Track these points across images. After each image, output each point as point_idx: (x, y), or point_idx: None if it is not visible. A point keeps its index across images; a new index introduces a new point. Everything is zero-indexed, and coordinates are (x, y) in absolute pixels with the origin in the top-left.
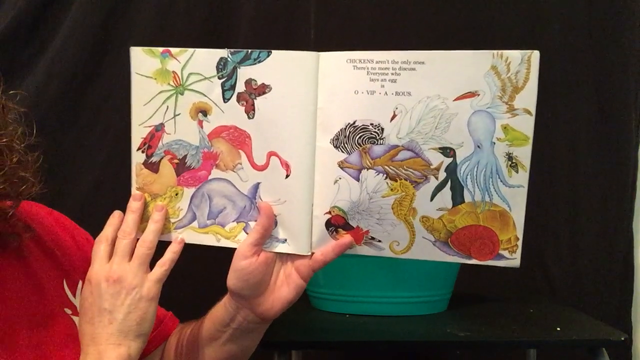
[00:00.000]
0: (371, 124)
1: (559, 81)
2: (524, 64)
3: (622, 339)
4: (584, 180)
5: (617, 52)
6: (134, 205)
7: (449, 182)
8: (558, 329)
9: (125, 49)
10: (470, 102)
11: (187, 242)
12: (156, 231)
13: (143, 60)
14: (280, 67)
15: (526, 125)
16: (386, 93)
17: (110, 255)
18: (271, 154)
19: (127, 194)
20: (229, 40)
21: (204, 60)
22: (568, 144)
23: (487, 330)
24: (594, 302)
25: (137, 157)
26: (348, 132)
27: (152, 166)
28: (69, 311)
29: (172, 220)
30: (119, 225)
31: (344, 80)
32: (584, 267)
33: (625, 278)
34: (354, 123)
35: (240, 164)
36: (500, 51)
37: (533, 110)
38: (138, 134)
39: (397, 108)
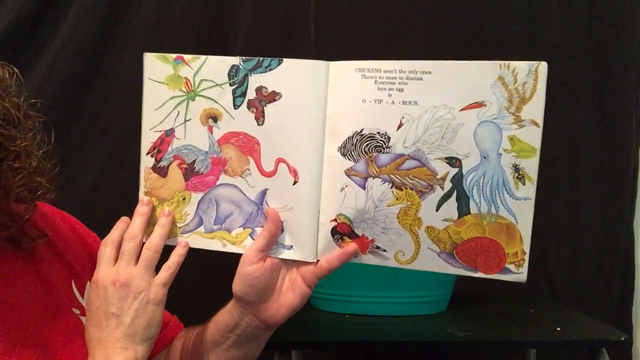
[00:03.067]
0: (378, 133)
1: (559, 82)
2: (531, 75)
3: (622, 339)
4: (584, 181)
5: (617, 54)
6: (141, 209)
7: (455, 193)
8: (558, 329)
9: (124, 49)
10: (477, 113)
11: (193, 247)
12: (163, 235)
13: (156, 66)
14: (291, 75)
15: (533, 136)
16: (393, 102)
17: (116, 258)
18: (279, 160)
19: (126, 195)
20: (228, 41)
21: (216, 67)
22: (569, 144)
23: (487, 330)
24: (594, 302)
25: (146, 161)
26: (355, 140)
27: (161, 170)
28: (77, 311)
29: (179, 225)
30: (126, 229)
31: (353, 89)
32: (584, 267)
33: (625, 278)
34: (361, 131)
35: (249, 170)
36: (507, 62)
37: (540, 121)
38: (148, 139)
39: (403, 117)
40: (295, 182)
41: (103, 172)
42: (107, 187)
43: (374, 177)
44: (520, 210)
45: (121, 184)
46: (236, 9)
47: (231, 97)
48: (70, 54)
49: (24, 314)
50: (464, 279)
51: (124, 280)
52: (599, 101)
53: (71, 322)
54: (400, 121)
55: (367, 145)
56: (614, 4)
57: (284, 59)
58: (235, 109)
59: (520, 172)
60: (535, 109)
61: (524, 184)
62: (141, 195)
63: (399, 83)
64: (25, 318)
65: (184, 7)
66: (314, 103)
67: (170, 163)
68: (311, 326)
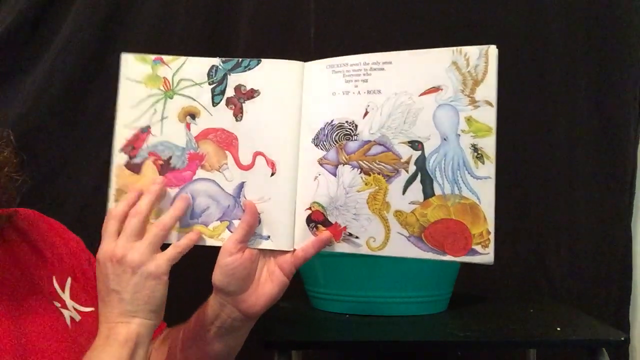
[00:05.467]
0: (346, 122)
1: (557, 81)
2: (482, 58)
3: (622, 338)
4: (582, 180)
5: (616, 52)
6: (153, 187)
7: (419, 175)
8: (558, 329)
9: (126, 50)
10: (435, 97)
11: (168, 242)
12: (174, 217)
13: (134, 67)
14: (269, 74)
15: (488, 116)
16: (359, 92)
17: (119, 233)
18: (257, 153)
19: None
20: (229, 43)
21: (195, 67)
22: (567, 143)
23: (487, 330)
24: (592, 301)
25: (119, 158)
26: (327, 131)
27: (135, 167)
28: (58, 304)
29: (152, 221)
30: (133, 203)
31: (324, 84)
32: (583, 267)
33: (623, 278)
34: (331, 122)
35: (226, 164)
36: (459, 47)
37: (494, 101)
38: (122, 135)
39: (368, 105)
40: (273, 174)
41: (103, 173)
42: (107, 188)
43: (344, 164)
44: (482, 189)
45: None
46: (237, 10)
47: (210, 95)
48: (71, 55)
49: (4, 302)
50: (464, 279)
51: (121, 256)
52: (598, 102)
53: (51, 314)
54: (366, 109)
55: (337, 134)
56: (613, 4)
57: (263, 59)
58: (213, 106)
59: (479, 152)
60: (488, 89)
61: (483, 163)
62: (112, 192)
63: (364, 74)
64: (5, 305)
65: (186, 9)
66: (291, 99)
67: (145, 160)
68: (311, 326)
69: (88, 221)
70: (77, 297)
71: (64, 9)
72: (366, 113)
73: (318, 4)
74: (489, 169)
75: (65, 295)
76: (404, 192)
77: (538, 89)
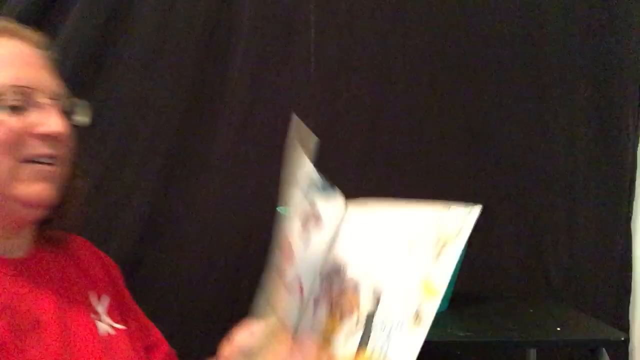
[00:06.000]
0: (340, 259)
1: (557, 81)
2: (463, 219)
3: (622, 338)
4: (582, 181)
5: (616, 53)
6: None
7: (365, 324)
8: (558, 329)
9: (125, 51)
10: (408, 252)
11: None
12: None
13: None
14: (333, 207)
15: (443, 276)
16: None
17: None
18: (297, 277)
19: (127, 197)
20: (229, 42)
21: (304, 168)
22: (567, 143)
23: (487, 330)
24: (592, 301)
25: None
26: (325, 271)
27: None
28: (94, 316)
29: None
30: None
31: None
32: (582, 267)
33: (623, 277)
34: (332, 262)
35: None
36: (447, 205)
37: (453, 263)
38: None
39: (359, 249)
40: (301, 299)
41: (104, 174)
42: (108, 189)
43: (323, 299)
44: (407, 352)
45: (122, 186)
46: (237, 11)
47: (305, 204)
48: (70, 56)
49: (52, 300)
50: (464, 279)
51: None
52: (598, 101)
53: (89, 323)
54: (356, 252)
55: (328, 273)
56: (613, 4)
57: (337, 189)
58: (299, 219)
59: (420, 314)
60: (453, 251)
61: (418, 326)
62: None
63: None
64: (52, 303)
65: (186, 10)
66: (333, 238)
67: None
68: None
69: (87, 222)
70: (112, 315)
71: (64, 9)
72: (355, 254)
73: (318, 4)
74: (420, 333)
75: (101, 310)
76: (346, 338)
77: (538, 90)
